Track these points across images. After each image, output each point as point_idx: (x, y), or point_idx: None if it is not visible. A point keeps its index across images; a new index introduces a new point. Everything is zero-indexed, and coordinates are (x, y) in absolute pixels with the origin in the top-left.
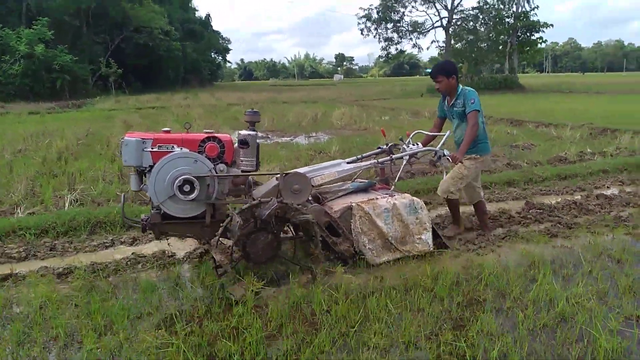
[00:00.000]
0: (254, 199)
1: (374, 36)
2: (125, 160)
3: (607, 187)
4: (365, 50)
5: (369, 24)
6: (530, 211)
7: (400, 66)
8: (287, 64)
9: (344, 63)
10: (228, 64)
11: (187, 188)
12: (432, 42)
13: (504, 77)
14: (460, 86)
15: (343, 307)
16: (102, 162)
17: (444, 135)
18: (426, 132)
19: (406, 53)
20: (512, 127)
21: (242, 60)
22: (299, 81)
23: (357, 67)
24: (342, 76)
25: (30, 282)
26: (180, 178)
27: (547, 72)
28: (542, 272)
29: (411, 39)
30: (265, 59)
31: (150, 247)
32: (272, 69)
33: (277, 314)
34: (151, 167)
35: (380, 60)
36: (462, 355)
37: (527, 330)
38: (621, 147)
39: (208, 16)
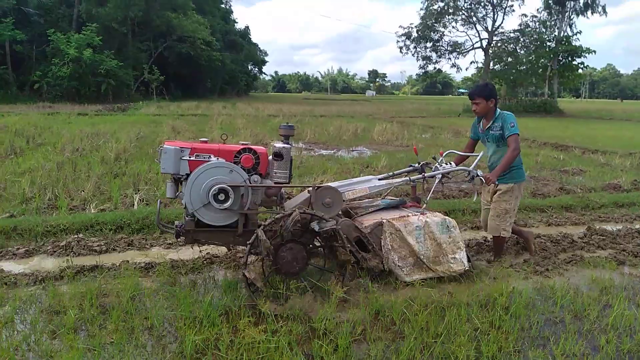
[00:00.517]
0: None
1: (412, 54)
2: (163, 168)
3: None
4: (398, 67)
5: (408, 42)
6: (592, 237)
7: (433, 85)
8: (320, 78)
9: (377, 79)
10: (263, 76)
11: (221, 197)
12: (471, 63)
13: (543, 101)
14: (499, 110)
15: (422, 318)
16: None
17: (478, 156)
18: (459, 152)
19: (443, 72)
20: (558, 152)
21: (276, 72)
22: (332, 95)
23: (389, 84)
24: (374, 92)
25: (115, 274)
26: (215, 187)
27: (584, 97)
28: (618, 299)
29: (449, 58)
30: (298, 72)
31: (223, 248)
32: (305, 82)
33: (359, 320)
34: (188, 175)
35: (413, 78)
36: None
37: (612, 353)
38: None
39: (247, 28)
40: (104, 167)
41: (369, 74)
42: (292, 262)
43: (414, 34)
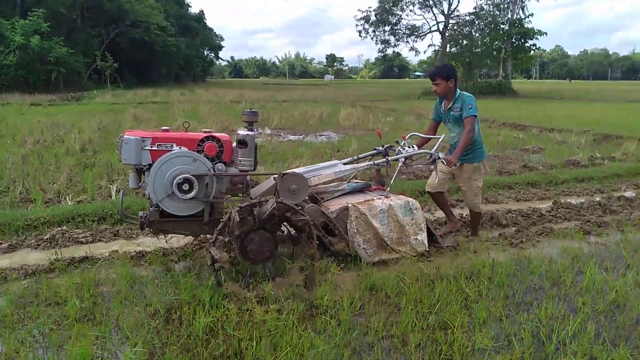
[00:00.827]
0: (251, 198)
1: (371, 38)
2: (124, 159)
3: (624, 190)
4: (355, 51)
5: (367, 26)
6: (559, 210)
7: (390, 69)
8: (277, 63)
9: (335, 64)
10: (219, 61)
11: (185, 187)
12: (429, 46)
13: (498, 83)
14: (459, 91)
15: (414, 290)
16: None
17: (439, 138)
18: (421, 135)
19: (401, 56)
20: (517, 132)
21: (232, 57)
22: (291, 80)
23: (346, 68)
24: (332, 77)
25: (106, 264)
26: (179, 177)
27: (534, 78)
28: (588, 265)
29: (408, 42)
30: (255, 57)
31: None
32: (263, 67)
33: (357, 296)
34: (150, 165)
35: (371, 62)
36: (536, 332)
37: (589, 312)
38: (628, 153)
39: (202, 12)
40: (72, 158)
41: (327, 58)
42: (260, 249)
43: (373, 18)
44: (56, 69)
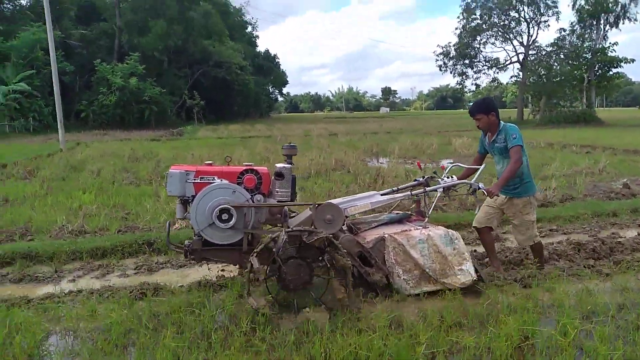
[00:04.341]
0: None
1: (450, 72)
2: (169, 191)
3: None
4: (405, 84)
5: (446, 60)
6: None
7: (444, 100)
8: (331, 97)
9: (389, 96)
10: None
11: (225, 217)
12: (511, 77)
13: (583, 112)
14: (502, 122)
15: None
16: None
17: (479, 168)
18: (465, 166)
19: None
20: None
21: (288, 93)
22: (349, 113)
23: (399, 100)
24: (388, 109)
25: None
26: (218, 207)
27: (597, 106)
28: None
29: (489, 74)
30: (309, 92)
31: None
32: (317, 102)
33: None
34: (194, 197)
35: (424, 94)
36: None
37: None
38: None
39: (268, 52)
40: None
41: (382, 91)
42: (294, 277)
43: (453, 52)
44: (149, 107)
